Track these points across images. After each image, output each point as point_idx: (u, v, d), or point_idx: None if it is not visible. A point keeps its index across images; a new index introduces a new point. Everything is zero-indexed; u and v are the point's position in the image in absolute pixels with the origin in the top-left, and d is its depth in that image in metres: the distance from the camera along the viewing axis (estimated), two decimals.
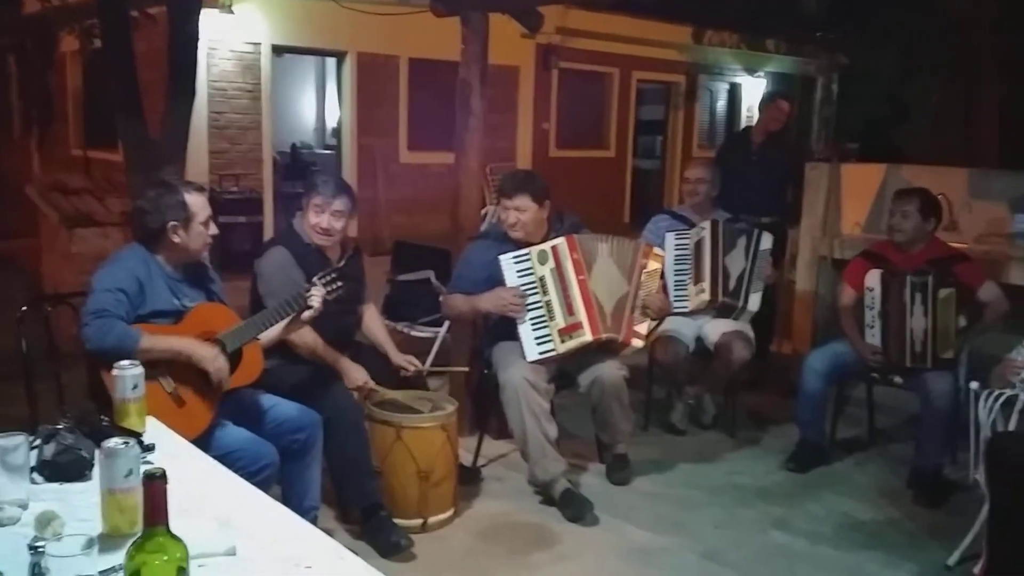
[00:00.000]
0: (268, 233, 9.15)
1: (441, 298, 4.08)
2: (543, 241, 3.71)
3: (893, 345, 3.99)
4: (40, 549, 1.46)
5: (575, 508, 3.58)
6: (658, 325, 3.96)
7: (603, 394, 3.76)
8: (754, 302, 4.50)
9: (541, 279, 3.65)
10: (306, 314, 2.98)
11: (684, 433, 4.61)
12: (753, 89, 14.61)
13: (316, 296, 2.96)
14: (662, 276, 3.91)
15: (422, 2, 4.55)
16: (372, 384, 3.46)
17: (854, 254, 4.57)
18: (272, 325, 2.95)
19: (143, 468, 1.50)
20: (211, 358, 2.70)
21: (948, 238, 4.54)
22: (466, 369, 3.82)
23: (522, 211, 3.71)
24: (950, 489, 3.89)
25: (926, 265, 4.01)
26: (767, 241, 4.57)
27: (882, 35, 10.39)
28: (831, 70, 14.10)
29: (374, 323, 3.77)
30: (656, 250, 3.94)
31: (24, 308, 2.94)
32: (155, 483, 1.36)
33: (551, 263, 3.64)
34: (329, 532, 3.24)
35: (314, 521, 3.08)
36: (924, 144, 10.26)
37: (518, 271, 3.67)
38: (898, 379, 4.11)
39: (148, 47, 6.81)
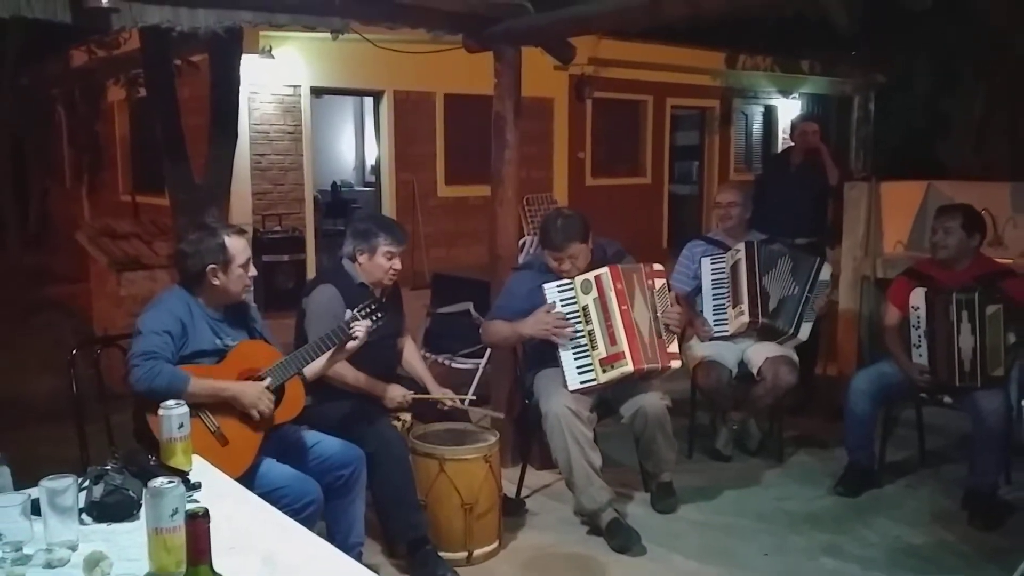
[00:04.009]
0: (311, 271, 9.28)
1: (481, 326, 4.08)
2: (587, 271, 3.70)
3: (941, 364, 3.92)
4: None
5: (622, 538, 3.55)
6: (682, 336, 3.89)
7: (646, 425, 3.72)
8: (804, 331, 4.45)
9: (584, 308, 3.63)
10: (351, 344, 3.00)
11: (729, 459, 4.56)
12: (789, 111, 14.53)
13: (360, 327, 2.99)
14: (669, 288, 3.86)
15: (455, 39, 4.61)
16: (412, 394, 3.50)
17: (897, 273, 4.50)
18: (315, 359, 2.97)
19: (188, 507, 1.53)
20: (255, 400, 2.75)
21: (993, 254, 4.48)
22: (501, 415, 3.82)
23: (576, 257, 3.70)
24: (1006, 510, 3.81)
25: (972, 282, 3.94)
26: (826, 272, 4.51)
27: (918, 49, 10.26)
28: (868, 88, 13.96)
29: (413, 357, 3.80)
30: (655, 266, 3.85)
31: (74, 351, 3.02)
32: (197, 522, 1.36)
33: (594, 293, 3.62)
34: (375, 567, 3.28)
35: (359, 557, 3.09)
36: (967, 159, 10.08)
37: (561, 300, 3.66)
38: (947, 399, 4.04)
39: (192, 94, 7.01)
